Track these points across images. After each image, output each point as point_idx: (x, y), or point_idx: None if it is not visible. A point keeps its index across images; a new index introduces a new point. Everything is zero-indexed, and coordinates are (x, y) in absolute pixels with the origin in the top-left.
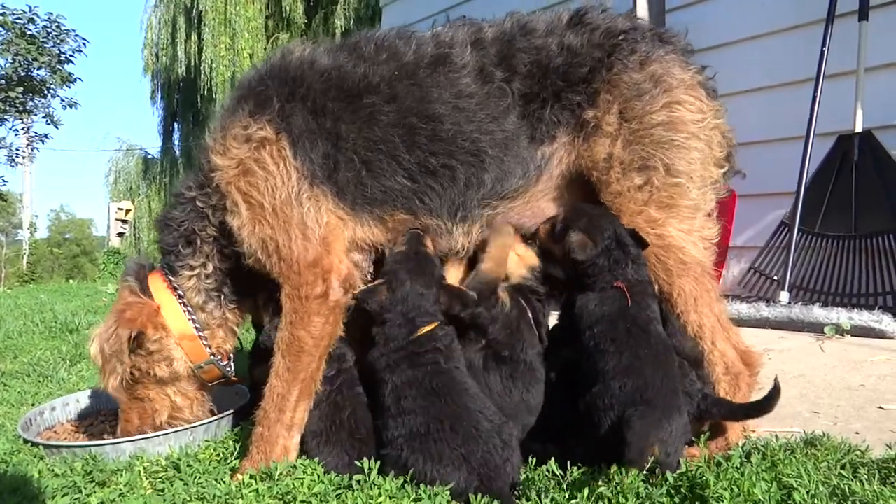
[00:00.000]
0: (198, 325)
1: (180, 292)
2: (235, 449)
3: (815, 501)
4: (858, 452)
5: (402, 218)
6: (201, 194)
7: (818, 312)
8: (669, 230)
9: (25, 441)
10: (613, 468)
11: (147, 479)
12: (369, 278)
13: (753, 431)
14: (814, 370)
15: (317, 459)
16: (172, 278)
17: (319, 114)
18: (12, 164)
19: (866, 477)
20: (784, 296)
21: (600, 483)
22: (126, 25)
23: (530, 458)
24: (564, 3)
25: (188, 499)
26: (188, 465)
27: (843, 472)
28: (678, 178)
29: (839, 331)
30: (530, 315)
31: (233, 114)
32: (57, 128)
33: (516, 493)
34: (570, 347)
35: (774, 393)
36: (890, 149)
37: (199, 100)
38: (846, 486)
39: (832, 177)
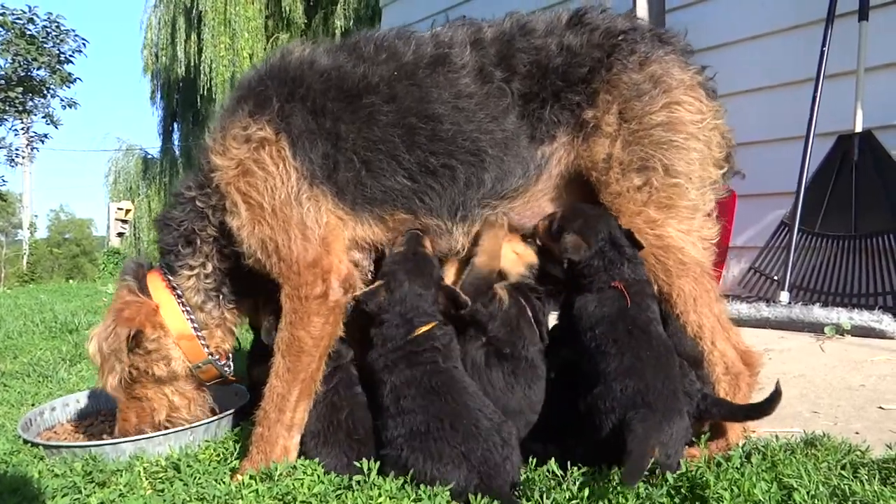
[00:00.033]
0: (196, 325)
1: (179, 292)
2: (235, 449)
3: (816, 502)
4: (859, 452)
5: (403, 218)
6: (201, 194)
7: (818, 312)
8: (668, 231)
9: (25, 441)
10: (614, 469)
11: (147, 479)
12: (370, 278)
13: (753, 432)
14: (814, 370)
15: (316, 460)
16: (171, 278)
17: (319, 114)
18: (12, 164)
19: (866, 477)
20: (784, 296)
21: (601, 483)
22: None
23: (531, 459)
24: (564, 4)
25: (188, 499)
26: (188, 466)
27: (843, 472)
28: (677, 178)
29: (839, 331)
30: (530, 313)
31: (232, 114)
32: (57, 128)
33: (517, 492)
34: (569, 348)
35: (775, 396)
36: (890, 149)
37: (198, 100)
38: (846, 487)
39: (832, 177)
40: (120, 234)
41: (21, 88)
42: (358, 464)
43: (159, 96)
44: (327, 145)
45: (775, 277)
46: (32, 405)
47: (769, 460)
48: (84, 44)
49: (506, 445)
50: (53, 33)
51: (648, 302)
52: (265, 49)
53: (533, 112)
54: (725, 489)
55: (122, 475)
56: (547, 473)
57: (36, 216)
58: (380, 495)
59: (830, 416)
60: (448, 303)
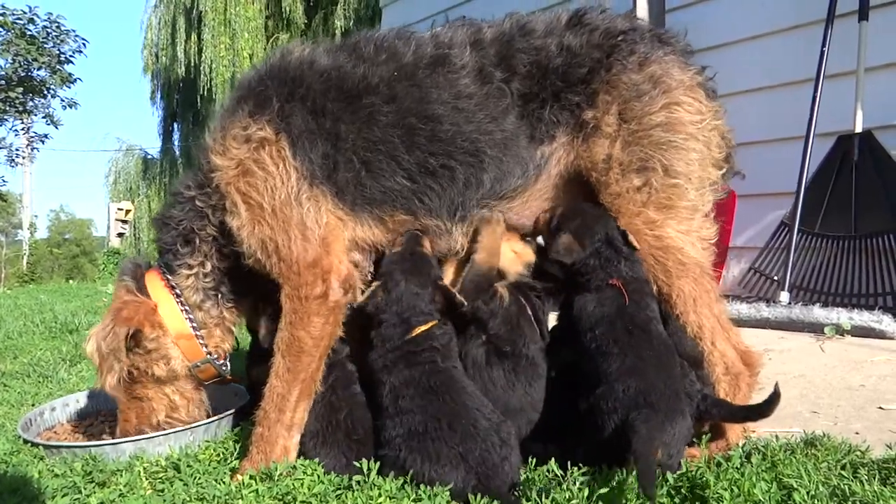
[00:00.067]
0: (195, 324)
1: (177, 291)
2: (235, 449)
3: (816, 502)
4: (858, 452)
5: (402, 218)
6: (201, 194)
7: (818, 313)
8: (668, 231)
9: (25, 441)
10: (615, 469)
11: (147, 479)
12: (369, 278)
13: (753, 432)
14: (814, 370)
15: (316, 460)
16: (170, 277)
17: (319, 114)
18: (12, 164)
19: (866, 477)
20: (784, 296)
21: (601, 483)
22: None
23: (530, 458)
24: (564, 4)
25: (188, 499)
26: (188, 466)
27: (843, 472)
28: (676, 179)
29: (839, 331)
30: (529, 312)
31: (232, 114)
32: (57, 128)
33: (516, 492)
34: (569, 348)
35: (774, 397)
36: (890, 149)
37: (198, 100)
38: (846, 487)
39: (832, 177)
40: (120, 235)
41: (21, 89)
42: (358, 464)
43: (159, 96)
44: (327, 145)
45: (775, 278)
46: (32, 405)
47: (769, 460)
48: (84, 44)
49: (504, 445)
50: (54, 33)
51: (647, 300)
52: (265, 49)
53: (532, 112)
54: (725, 489)
55: (122, 475)
56: (547, 473)
57: (36, 216)
58: (380, 495)
59: (830, 417)
60: (445, 302)
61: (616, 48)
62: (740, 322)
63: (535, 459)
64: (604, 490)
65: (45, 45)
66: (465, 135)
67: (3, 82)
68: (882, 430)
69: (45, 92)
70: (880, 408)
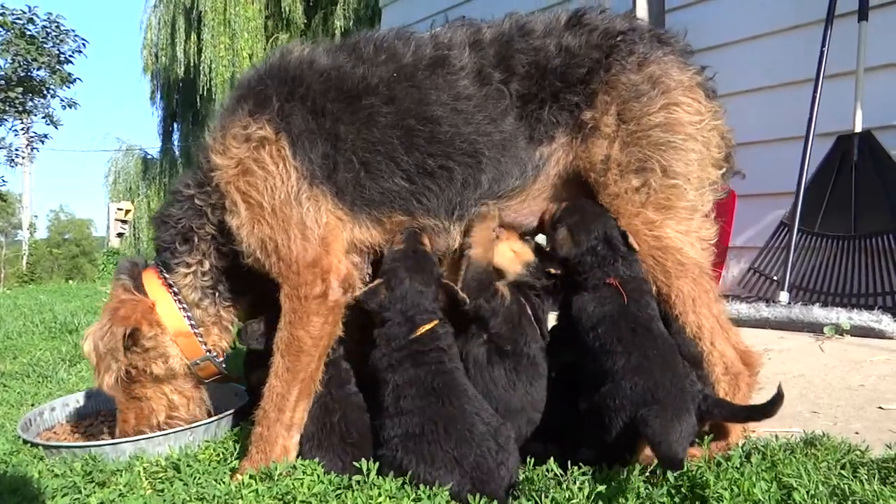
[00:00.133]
0: (193, 322)
1: (175, 289)
2: (235, 449)
3: (815, 501)
4: (858, 452)
5: (400, 220)
6: (200, 192)
7: (818, 312)
8: (667, 231)
9: (25, 441)
10: (615, 469)
11: (147, 479)
12: (368, 280)
13: (753, 431)
14: (814, 370)
15: (315, 460)
16: (167, 275)
17: (319, 114)
18: (12, 164)
19: (866, 477)
20: (784, 296)
21: (600, 483)
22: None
23: (529, 459)
24: (563, 4)
25: (188, 499)
26: (188, 466)
27: (842, 471)
28: (675, 179)
29: (839, 331)
30: (529, 311)
31: (232, 113)
32: (56, 128)
33: (514, 493)
34: (569, 348)
35: (778, 398)
36: (890, 149)
37: (198, 100)
38: (846, 486)
39: (832, 177)
40: (120, 235)
41: (21, 89)
42: (357, 464)
43: (159, 96)
44: (327, 145)
45: (775, 277)
46: (32, 405)
47: (769, 460)
48: (84, 44)
49: (501, 450)
50: (53, 33)
51: (648, 299)
52: (265, 49)
53: (531, 113)
54: (725, 489)
55: (121, 475)
56: (546, 473)
57: (36, 216)
58: (379, 495)
59: (830, 416)
60: (448, 300)
61: (615, 48)
62: (740, 322)
63: (532, 459)
64: (604, 489)
65: (45, 45)
66: (463, 136)
67: (2, 82)
68: (882, 430)
69: (45, 92)
70: (880, 407)
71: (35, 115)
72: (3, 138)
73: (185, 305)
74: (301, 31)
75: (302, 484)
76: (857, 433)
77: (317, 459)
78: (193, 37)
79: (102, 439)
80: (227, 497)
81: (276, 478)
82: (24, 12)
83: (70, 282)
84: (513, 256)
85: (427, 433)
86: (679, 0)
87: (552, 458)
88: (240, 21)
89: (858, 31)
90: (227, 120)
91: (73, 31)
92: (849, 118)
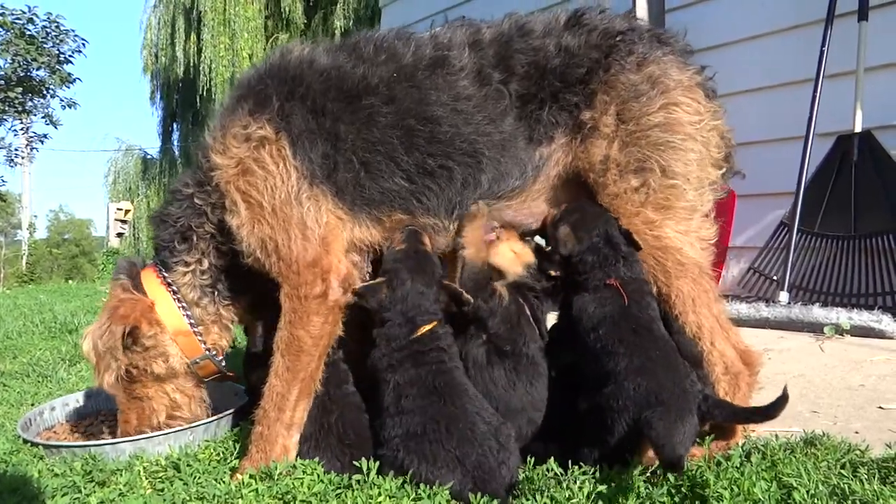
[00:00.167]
0: (192, 321)
1: (174, 288)
2: (235, 449)
3: (815, 501)
4: (858, 452)
5: (400, 218)
6: (200, 191)
7: (818, 312)
8: (666, 231)
9: (25, 441)
10: (615, 469)
11: (147, 478)
12: (367, 279)
13: (753, 431)
14: (813, 370)
15: (315, 459)
16: (166, 274)
17: (319, 114)
18: (11, 164)
19: (866, 476)
20: (784, 296)
21: (600, 482)
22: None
23: (529, 458)
24: (563, 4)
25: (188, 498)
26: (188, 465)
27: (842, 471)
28: (675, 179)
29: (839, 331)
30: (528, 311)
31: (232, 113)
32: (56, 128)
33: (515, 493)
34: (568, 350)
35: (781, 401)
36: (889, 149)
37: (198, 100)
38: (846, 486)
39: (832, 177)
40: (119, 235)
41: (21, 89)
42: (357, 464)
43: (159, 96)
44: (327, 145)
45: (775, 277)
46: (32, 405)
47: (769, 459)
48: (84, 44)
49: (502, 449)
50: (53, 33)
51: (649, 300)
52: (265, 49)
53: (531, 113)
54: (725, 488)
55: (121, 475)
56: (547, 472)
57: (35, 216)
58: (379, 494)
59: (830, 416)
60: (450, 301)
61: (614, 48)
62: (740, 322)
63: (534, 459)
64: (604, 489)
65: (45, 45)
66: (463, 136)
67: (2, 82)
68: (882, 430)
69: (45, 92)
70: (880, 407)
71: (35, 115)
72: (3, 138)
73: (184, 304)
74: (301, 31)
75: (302, 483)
76: (857, 433)
77: (315, 459)
78: (193, 37)
79: (102, 439)
80: (227, 496)
81: (276, 477)
82: (24, 12)
83: (70, 282)
84: (513, 257)
85: (429, 432)
86: (679, 0)
87: (552, 458)
88: (240, 21)
89: (858, 31)
90: (227, 119)
91: (73, 31)
92: (849, 118)
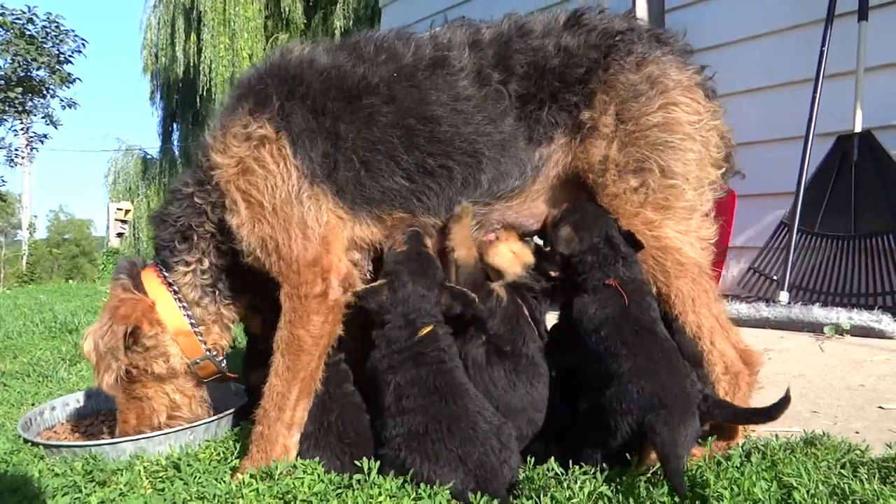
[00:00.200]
0: (193, 321)
1: (175, 288)
2: (235, 448)
3: (815, 500)
4: (858, 452)
5: (401, 217)
6: (200, 191)
7: (818, 312)
8: (666, 231)
9: (25, 441)
10: (616, 468)
11: (147, 478)
12: (368, 277)
13: (753, 431)
14: (814, 370)
15: (316, 459)
16: (167, 274)
17: (319, 113)
18: (11, 164)
19: (866, 476)
20: (784, 296)
21: (600, 482)
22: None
23: (530, 458)
24: (562, 4)
25: (188, 498)
26: (188, 465)
27: (842, 471)
28: (674, 179)
29: (839, 331)
30: (527, 312)
31: (232, 112)
32: (56, 128)
33: (515, 492)
34: (569, 351)
35: (782, 403)
36: (889, 149)
37: (198, 100)
38: (846, 486)
39: (832, 177)
40: (119, 235)
41: (21, 89)
42: (358, 463)
43: (159, 96)
44: (327, 144)
45: (775, 277)
46: (32, 405)
47: (769, 459)
48: (83, 44)
49: (504, 449)
50: (53, 33)
51: (649, 301)
52: (264, 49)
53: (530, 114)
54: (725, 488)
55: (122, 474)
56: (547, 472)
57: (35, 216)
58: (380, 494)
59: (830, 416)
60: (455, 302)
61: (613, 48)
62: (740, 322)
63: (532, 458)
64: (604, 489)
65: (45, 45)
66: (463, 136)
67: (2, 82)
68: (882, 430)
69: (45, 92)
70: (880, 407)
71: (35, 115)
72: (3, 138)
73: (184, 304)
74: (301, 31)
75: (302, 483)
76: (857, 433)
77: (315, 458)
78: (193, 37)
79: (103, 438)
80: (227, 496)
81: (276, 477)
82: (24, 12)
83: (70, 282)
84: (512, 258)
85: (431, 432)
86: (679, 0)
87: (553, 458)
88: (239, 21)
89: (858, 31)
90: (227, 119)
91: (73, 31)
92: (849, 118)
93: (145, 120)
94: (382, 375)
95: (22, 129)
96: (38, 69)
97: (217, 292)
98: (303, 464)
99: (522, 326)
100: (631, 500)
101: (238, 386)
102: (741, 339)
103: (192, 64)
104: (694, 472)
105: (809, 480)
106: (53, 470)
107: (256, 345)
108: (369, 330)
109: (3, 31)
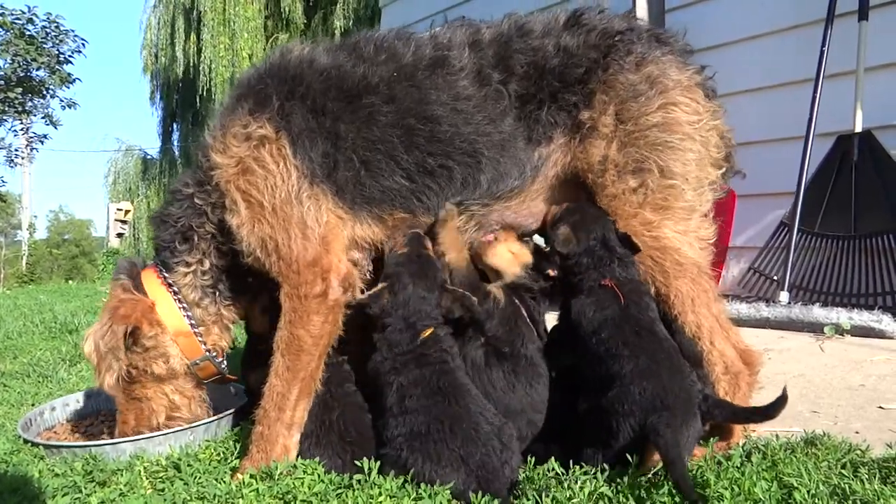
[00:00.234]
0: (193, 322)
1: (175, 288)
2: (235, 448)
3: (816, 500)
4: (859, 452)
5: (401, 217)
6: (200, 191)
7: (818, 312)
8: (665, 232)
9: (25, 441)
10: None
11: (147, 478)
12: (369, 277)
13: (754, 431)
14: (814, 370)
15: (316, 459)
16: (167, 274)
17: (319, 113)
18: (11, 164)
19: (866, 476)
20: (784, 296)
21: (601, 482)
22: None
23: (530, 458)
24: (562, 4)
25: (188, 498)
26: (188, 465)
27: (843, 471)
28: (673, 179)
29: (839, 331)
30: (525, 313)
31: (232, 112)
32: (56, 128)
33: (516, 492)
34: (568, 352)
35: (780, 402)
36: (890, 149)
37: (198, 100)
38: (846, 486)
39: (832, 177)
40: (119, 235)
41: (20, 89)
42: (358, 463)
43: (159, 97)
44: (327, 144)
45: (775, 277)
46: (32, 405)
47: (769, 459)
48: (83, 44)
49: (505, 449)
50: (53, 34)
51: (647, 301)
52: (264, 49)
53: (530, 113)
54: (726, 488)
55: (122, 475)
56: (548, 472)
57: (35, 217)
58: (380, 494)
59: (830, 416)
60: (455, 305)
61: (613, 48)
62: (740, 322)
63: (533, 459)
64: (605, 489)
65: (45, 46)
66: (463, 136)
67: (2, 82)
68: (882, 430)
69: (45, 92)
70: (880, 407)
71: (34, 116)
72: (3, 139)
73: (184, 305)
74: (301, 31)
75: (302, 483)
76: (857, 433)
77: (316, 458)
78: (193, 37)
79: (103, 439)
80: (227, 496)
81: (276, 477)
82: (24, 12)
83: (70, 282)
84: (511, 258)
85: (433, 432)
86: (679, 0)
87: (553, 458)
88: (239, 21)
89: (858, 31)
90: (227, 119)
91: (73, 31)
92: (849, 118)
93: (145, 120)
94: (385, 377)
95: (22, 130)
96: (37, 69)
97: (217, 293)
98: (303, 464)
99: (521, 327)
100: (631, 501)
101: (238, 386)
102: (741, 339)
103: (191, 64)
104: (695, 472)
105: (810, 480)
106: (53, 470)
107: (256, 345)
108: (370, 330)
109: (3, 32)
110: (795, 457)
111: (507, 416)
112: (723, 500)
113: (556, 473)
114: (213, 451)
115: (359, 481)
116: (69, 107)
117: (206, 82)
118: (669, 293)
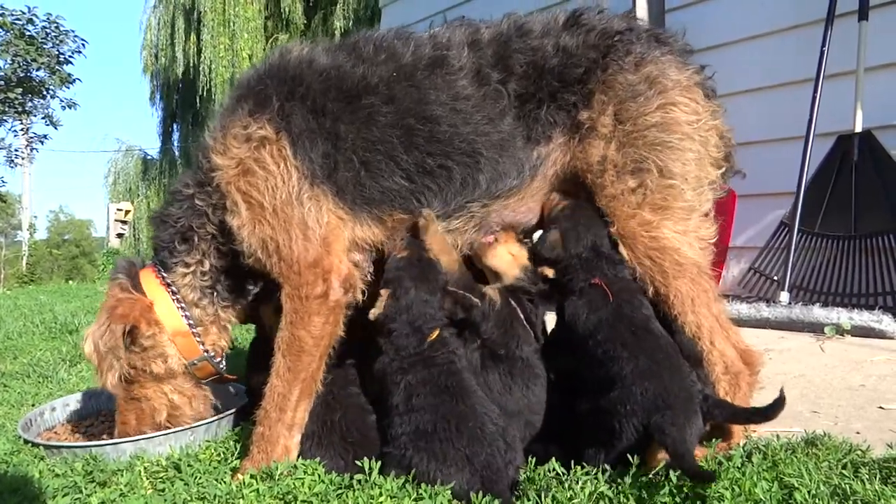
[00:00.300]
0: (191, 322)
1: (174, 288)
2: (236, 449)
3: (817, 501)
4: (859, 452)
5: (401, 217)
6: (200, 192)
7: (818, 312)
8: (664, 232)
9: (26, 441)
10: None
11: (147, 479)
12: (369, 278)
13: (754, 431)
14: (814, 370)
15: (317, 459)
16: (165, 274)
17: (319, 113)
18: (11, 165)
19: (867, 476)
20: (784, 296)
21: (601, 482)
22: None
23: (530, 458)
24: (562, 4)
25: (189, 499)
26: (189, 465)
27: (843, 471)
28: (672, 179)
29: (839, 331)
30: (521, 315)
31: (232, 113)
32: (56, 129)
33: (517, 492)
34: (566, 354)
35: (779, 403)
36: (890, 149)
37: (198, 100)
38: (847, 486)
39: (832, 177)
40: (119, 235)
41: (20, 89)
42: (359, 463)
43: (159, 97)
44: (327, 145)
45: (775, 278)
46: (32, 405)
47: (770, 460)
48: (83, 44)
49: (509, 450)
50: (53, 34)
51: (640, 299)
52: (264, 50)
53: (529, 113)
54: (727, 488)
55: (122, 475)
56: (548, 472)
57: (35, 217)
58: (381, 494)
59: (831, 416)
60: (457, 307)
61: (612, 48)
62: (740, 322)
63: (534, 459)
64: (606, 489)
65: (45, 46)
66: (462, 136)
67: (2, 83)
68: (882, 430)
69: (45, 92)
70: (881, 407)
71: (35, 116)
72: (3, 139)
73: (183, 305)
74: (301, 32)
75: (303, 483)
76: (857, 433)
77: (317, 458)
78: (193, 37)
79: (103, 439)
80: (227, 496)
81: (277, 477)
82: (24, 13)
83: (70, 282)
84: (511, 259)
85: (439, 431)
86: (679, 0)
87: (553, 459)
88: (239, 21)
89: (858, 31)
90: (227, 120)
91: (73, 31)
92: (849, 118)
93: (145, 120)
94: (392, 377)
95: (22, 130)
96: (37, 70)
97: (216, 294)
98: (303, 464)
99: (517, 329)
100: (632, 501)
101: (238, 386)
102: (741, 339)
103: (191, 64)
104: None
105: (810, 481)
106: (54, 470)
107: (261, 347)
108: (371, 330)
109: (3, 32)
110: (796, 457)
111: (505, 418)
112: (723, 501)
113: (557, 474)
114: (213, 451)
115: (359, 481)
116: (69, 107)
117: (206, 83)
118: (669, 293)
